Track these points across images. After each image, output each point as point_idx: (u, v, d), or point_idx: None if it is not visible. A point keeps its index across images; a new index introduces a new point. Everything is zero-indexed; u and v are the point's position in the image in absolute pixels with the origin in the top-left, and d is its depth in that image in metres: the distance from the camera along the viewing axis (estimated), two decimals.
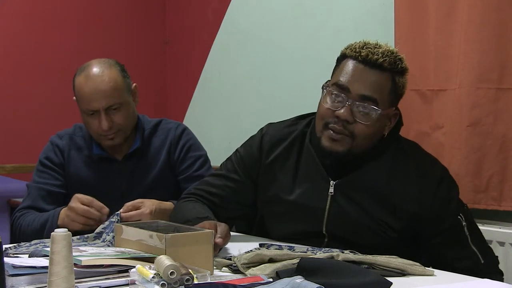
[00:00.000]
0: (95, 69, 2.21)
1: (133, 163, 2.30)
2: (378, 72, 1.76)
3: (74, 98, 2.25)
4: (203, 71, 3.93)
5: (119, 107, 2.21)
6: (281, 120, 2.03)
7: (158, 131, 2.37)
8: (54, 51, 3.87)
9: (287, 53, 3.33)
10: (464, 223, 1.82)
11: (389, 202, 1.81)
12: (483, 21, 2.31)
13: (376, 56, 1.75)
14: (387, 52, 1.77)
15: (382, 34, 2.76)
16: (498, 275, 1.87)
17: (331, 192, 1.83)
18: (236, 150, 2.04)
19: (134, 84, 2.31)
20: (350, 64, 1.78)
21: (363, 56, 1.76)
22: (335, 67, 1.85)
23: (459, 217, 1.82)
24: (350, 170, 1.84)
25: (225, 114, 3.78)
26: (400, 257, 1.68)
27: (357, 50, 1.78)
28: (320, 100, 1.83)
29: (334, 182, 1.84)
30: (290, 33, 3.31)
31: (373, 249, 1.74)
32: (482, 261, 1.83)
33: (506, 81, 2.32)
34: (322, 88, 1.83)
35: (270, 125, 2.01)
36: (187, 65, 4.08)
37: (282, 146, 1.93)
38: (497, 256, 1.91)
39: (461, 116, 2.38)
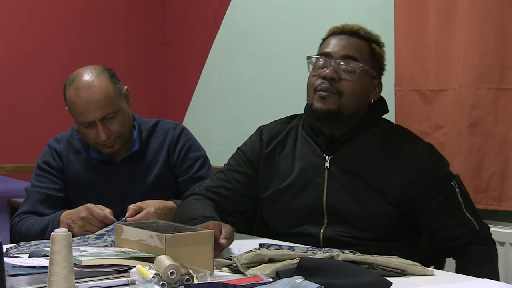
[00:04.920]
0: (85, 80, 2.15)
1: (132, 165, 2.29)
2: (356, 39, 1.94)
3: (67, 108, 2.23)
4: (203, 71, 3.93)
5: (114, 115, 2.17)
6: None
7: (156, 132, 2.35)
8: (54, 51, 3.87)
9: (287, 53, 3.34)
10: (457, 189, 1.89)
11: (383, 168, 1.89)
12: (483, 21, 2.31)
13: (352, 25, 1.95)
14: (363, 27, 1.96)
15: (382, 34, 2.74)
16: (492, 244, 1.94)
17: (327, 167, 1.92)
18: (238, 148, 2.12)
19: (125, 87, 2.26)
20: (330, 38, 1.96)
21: (340, 28, 1.96)
22: (318, 49, 1.99)
23: (452, 183, 1.90)
24: (343, 145, 1.94)
25: (225, 114, 3.78)
26: (400, 236, 1.83)
27: (336, 27, 1.97)
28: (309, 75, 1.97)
29: (329, 157, 1.93)
30: (290, 33, 3.31)
31: (373, 224, 1.86)
32: (478, 228, 1.89)
33: (506, 81, 2.32)
34: (307, 58, 1.96)
35: (265, 125, 2.12)
36: (187, 65, 4.08)
37: (280, 137, 2.04)
38: (489, 227, 1.96)
39: (461, 116, 2.38)
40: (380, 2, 2.80)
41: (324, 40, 1.99)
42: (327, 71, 1.88)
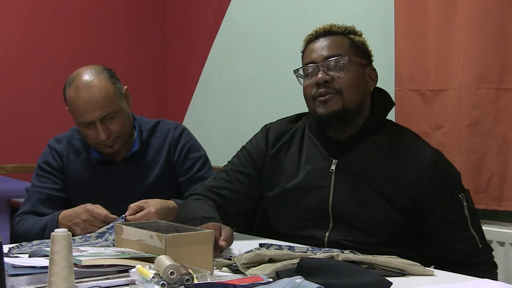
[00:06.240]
0: (84, 80, 2.15)
1: (132, 165, 2.29)
2: (332, 37, 1.94)
3: (67, 108, 2.23)
4: (203, 71, 3.93)
5: (114, 115, 2.17)
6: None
7: (157, 132, 2.35)
8: (54, 51, 3.87)
9: (287, 53, 3.33)
10: (465, 203, 1.86)
11: (390, 173, 1.87)
12: (483, 21, 2.31)
13: (323, 26, 1.96)
14: (334, 24, 1.96)
15: (382, 34, 2.76)
16: (494, 269, 1.90)
17: (332, 170, 1.91)
18: (242, 147, 2.10)
19: (125, 87, 2.26)
20: (308, 47, 1.96)
21: (313, 34, 1.96)
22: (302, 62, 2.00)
23: (460, 195, 1.87)
24: (350, 148, 1.92)
25: (225, 114, 3.78)
26: (405, 242, 1.82)
27: (309, 34, 1.98)
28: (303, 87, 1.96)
29: (336, 160, 1.91)
30: (290, 33, 3.31)
31: (378, 229, 1.84)
32: (480, 246, 1.87)
33: (506, 81, 2.32)
34: (294, 72, 1.98)
35: (271, 123, 2.10)
36: (187, 65, 4.08)
37: (286, 137, 2.02)
38: (492, 248, 1.94)
39: (461, 116, 2.38)
40: (380, 2, 2.80)
41: (303, 51, 1.99)
42: (319, 76, 1.88)
